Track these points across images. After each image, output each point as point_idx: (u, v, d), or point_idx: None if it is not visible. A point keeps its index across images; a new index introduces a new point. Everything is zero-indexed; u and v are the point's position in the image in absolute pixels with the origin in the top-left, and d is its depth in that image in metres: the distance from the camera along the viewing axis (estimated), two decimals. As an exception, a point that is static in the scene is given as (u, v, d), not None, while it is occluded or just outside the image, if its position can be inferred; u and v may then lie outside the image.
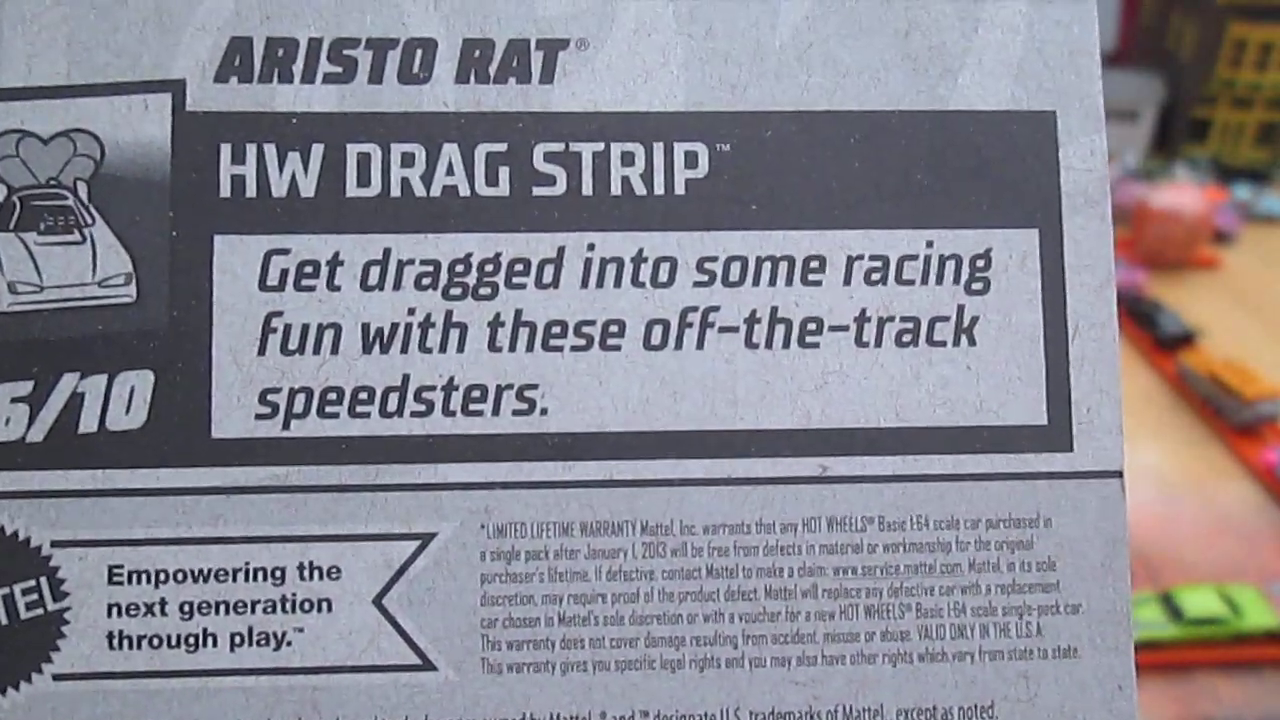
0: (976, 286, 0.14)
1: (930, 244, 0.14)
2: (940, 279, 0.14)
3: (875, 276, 0.14)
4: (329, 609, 0.14)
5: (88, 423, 0.14)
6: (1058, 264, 0.14)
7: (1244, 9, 1.24)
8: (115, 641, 0.14)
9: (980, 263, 0.14)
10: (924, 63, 0.15)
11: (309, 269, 0.14)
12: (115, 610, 0.14)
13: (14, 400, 0.14)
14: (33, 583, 0.14)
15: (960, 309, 0.14)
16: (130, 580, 0.14)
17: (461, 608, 0.14)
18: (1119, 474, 0.14)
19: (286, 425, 0.14)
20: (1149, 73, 1.33)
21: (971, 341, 0.14)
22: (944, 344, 0.14)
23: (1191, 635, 0.52)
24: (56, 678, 0.14)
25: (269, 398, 0.14)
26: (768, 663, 0.14)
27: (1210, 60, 1.25)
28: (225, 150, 0.14)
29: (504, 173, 0.14)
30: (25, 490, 0.14)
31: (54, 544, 0.14)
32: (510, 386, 0.14)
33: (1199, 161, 1.28)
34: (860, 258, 0.14)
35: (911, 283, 0.14)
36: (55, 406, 0.14)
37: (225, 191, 0.14)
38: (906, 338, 0.14)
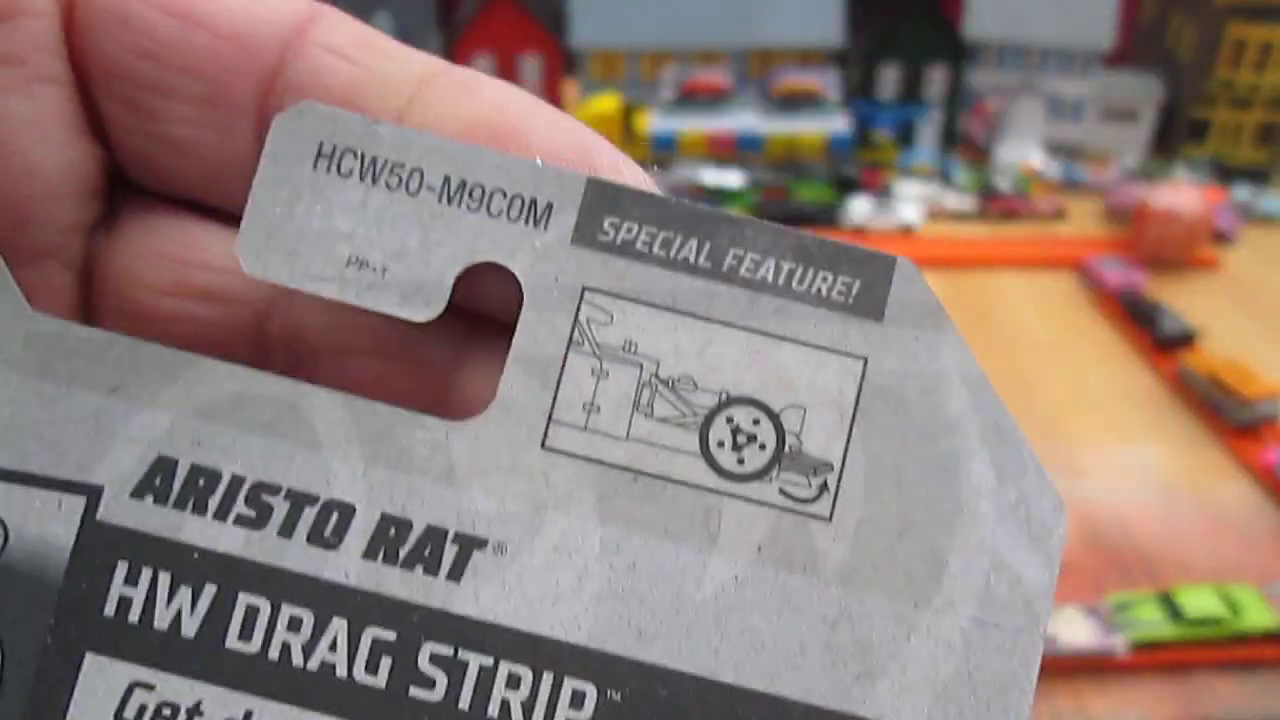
0: None
1: None
2: None
3: None
4: None
5: (-87, 810, 0.14)
6: None
7: (1244, 9, 1.21)
8: None
9: None
10: (845, 657, 0.14)
11: (167, 712, 0.14)
12: None
13: None
14: None
15: None
16: None
17: None
18: None
19: None
20: (1148, 73, 1.33)
21: None
22: None
23: (1191, 635, 0.50)
24: None
25: (92, 832, 0.14)
26: None
27: (1210, 60, 1.23)
28: (121, 569, 0.14)
29: (385, 663, 0.14)
30: None
31: None
32: None
33: (1198, 161, 1.26)
34: None
35: None
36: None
37: (110, 610, 0.14)
38: None
